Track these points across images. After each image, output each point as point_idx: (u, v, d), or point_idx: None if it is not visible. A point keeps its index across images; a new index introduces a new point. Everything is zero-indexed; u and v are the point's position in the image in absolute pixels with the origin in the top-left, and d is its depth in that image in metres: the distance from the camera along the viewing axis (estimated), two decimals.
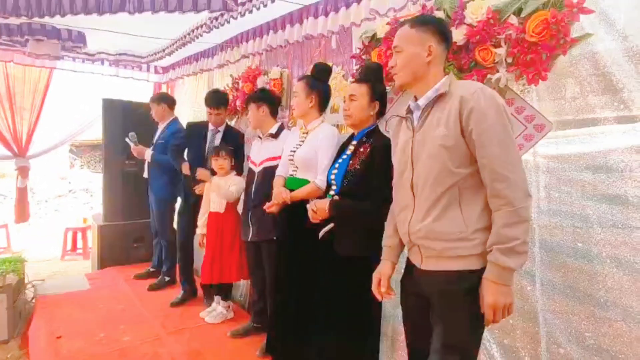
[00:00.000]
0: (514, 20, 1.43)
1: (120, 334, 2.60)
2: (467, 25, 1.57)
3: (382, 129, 2.04)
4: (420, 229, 1.23)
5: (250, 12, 2.51)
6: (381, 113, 1.82)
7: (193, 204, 3.05)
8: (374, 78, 1.77)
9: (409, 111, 1.32)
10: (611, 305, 1.42)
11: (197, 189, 2.95)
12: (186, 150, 3.18)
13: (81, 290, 3.44)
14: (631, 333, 1.38)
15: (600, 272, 1.45)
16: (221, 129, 3.01)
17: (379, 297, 1.44)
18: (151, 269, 3.76)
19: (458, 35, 1.58)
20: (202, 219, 2.87)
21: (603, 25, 1.34)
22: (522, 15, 1.41)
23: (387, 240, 1.46)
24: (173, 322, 2.81)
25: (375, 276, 1.45)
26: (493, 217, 1.14)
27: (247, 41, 3.14)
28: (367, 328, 1.79)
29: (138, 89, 5.11)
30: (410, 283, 1.36)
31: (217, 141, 2.96)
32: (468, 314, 1.18)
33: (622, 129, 1.35)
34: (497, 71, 1.51)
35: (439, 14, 1.66)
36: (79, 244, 5.29)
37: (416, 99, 1.31)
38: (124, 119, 3.98)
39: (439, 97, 1.22)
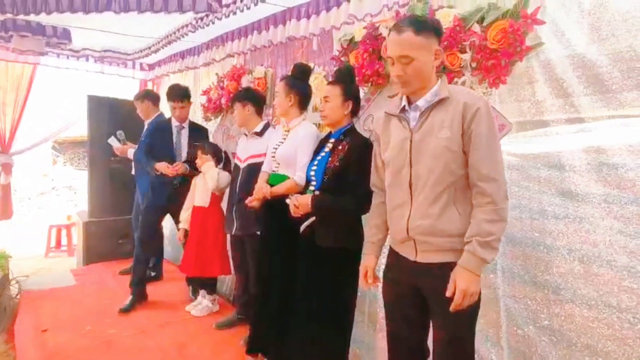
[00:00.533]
0: (477, 28, 1.55)
1: (106, 327, 2.65)
2: None
3: (358, 127, 2.16)
4: (421, 226, 1.29)
5: (235, 13, 2.58)
6: (356, 111, 1.92)
7: (162, 205, 3.05)
8: (346, 79, 1.87)
9: (403, 110, 1.35)
10: (563, 289, 1.55)
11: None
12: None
13: (66, 286, 3.47)
14: (582, 314, 1.52)
15: (554, 260, 1.59)
16: (186, 125, 3.03)
17: (365, 287, 1.56)
18: None
19: None
20: (185, 214, 2.93)
21: (555, 36, 1.47)
22: (484, 24, 1.54)
23: (373, 237, 1.55)
24: (159, 315, 2.87)
25: (361, 269, 1.56)
26: (475, 212, 1.25)
27: (232, 41, 3.21)
28: (345, 316, 1.90)
29: (123, 86, 5.11)
30: (399, 274, 1.42)
31: (184, 138, 2.99)
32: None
33: (572, 129, 1.49)
34: (463, 75, 1.63)
35: None
36: (63, 241, 5.28)
37: (410, 101, 1.33)
38: (110, 116, 4.01)
39: (439, 101, 1.27)
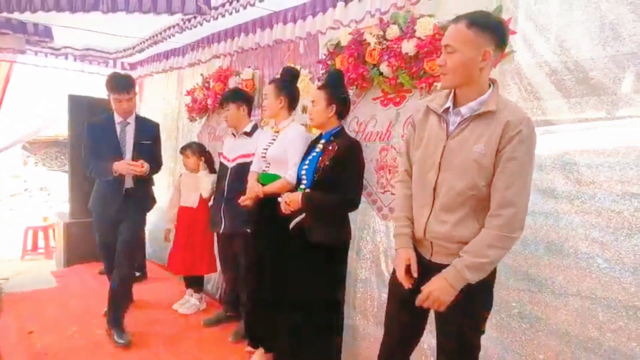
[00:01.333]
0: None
1: (94, 328, 2.65)
2: (417, 38, 1.80)
3: (346, 128, 2.26)
4: (437, 231, 1.28)
5: (223, 16, 2.64)
6: (342, 114, 2.00)
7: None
8: (333, 84, 1.97)
9: (446, 111, 1.29)
10: (542, 281, 1.67)
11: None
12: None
13: (48, 288, 3.42)
14: (552, 301, 1.66)
15: (527, 252, 1.72)
16: (131, 120, 2.53)
17: (408, 285, 1.35)
18: None
19: (409, 47, 1.82)
20: (171, 213, 2.95)
21: (525, 45, 1.62)
22: None
23: (405, 229, 1.41)
24: (146, 314, 2.89)
25: (401, 264, 1.36)
26: (483, 229, 1.21)
27: (218, 42, 3.26)
28: (335, 307, 1.99)
29: (102, 85, 5.04)
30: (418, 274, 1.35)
31: (129, 135, 2.51)
32: (482, 302, 1.29)
33: (541, 130, 1.63)
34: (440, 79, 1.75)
35: (394, 28, 1.89)
36: (40, 243, 5.15)
37: (456, 100, 1.27)
38: (91, 115, 3.95)
39: (484, 112, 1.20)
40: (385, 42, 1.95)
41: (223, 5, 2.61)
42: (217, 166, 2.83)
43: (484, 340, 1.39)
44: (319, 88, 1.99)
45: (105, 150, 2.46)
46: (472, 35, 1.17)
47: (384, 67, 1.96)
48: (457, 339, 1.32)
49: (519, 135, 1.15)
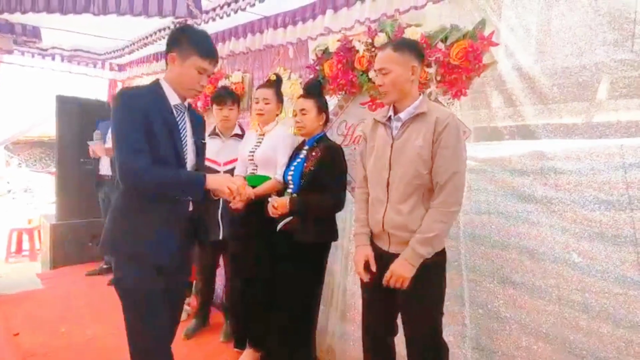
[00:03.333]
0: (441, 46, 1.75)
1: (83, 328, 2.64)
2: None
3: (332, 132, 2.32)
4: (394, 221, 1.48)
5: (214, 20, 2.67)
6: (326, 121, 2.08)
7: None
8: (317, 92, 2.06)
9: (389, 119, 1.54)
10: (519, 283, 1.74)
11: None
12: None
13: (34, 290, 3.38)
14: (530, 299, 1.74)
15: (508, 256, 1.78)
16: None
17: (366, 278, 1.57)
18: (104, 266, 3.76)
19: None
20: None
21: (506, 54, 1.70)
22: (448, 42, 1.74)
23: (364, 229, 1.63)
24: None
25: (360, 260, 1.58)
26: (428, 211, 1.44)
27: None
28: (317, 304, 2.09)
29: (90, 86, 5.00)
30: (379, 266, 1.55)
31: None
32: (437, 283, 1.51)
33: (518, 137, 1.72)
34: (429, 86, 1.83)
35: (382, 36, 1.96)
36: (25, 245, 5.07)
37: (395, 110, 1.53)
38: (80, 116, 3.94)
39: (418, 115, 1.46)
40: (373, 49, 2.02)
41: (214, 9, 2.64)
42: None
43: (464, 340, 1.46)
44: (305, 97, 2.05)
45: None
46: (399, 56, 1.44)
47: (372, 73, 2.02)
48: (422, 323, 1.52)
49: (447, 128, 1.41)
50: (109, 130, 3.49)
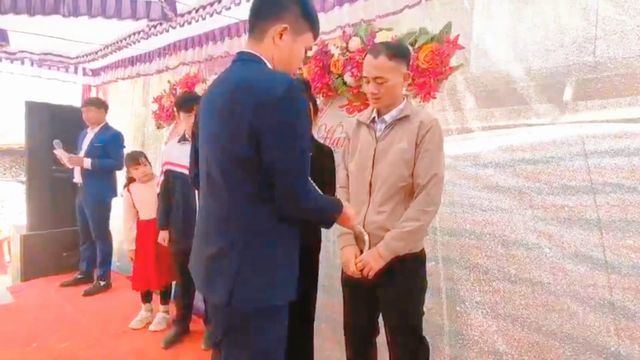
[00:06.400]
0: (410, 49, 1.79)
1: (56, 342, 2.54)
2: None
3: (316, 135, 2.33)
4: (375, 220, 1.49)
5: (190, 23, 2.65)
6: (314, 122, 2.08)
7: None
8: (307, 91, 2.01)
9: (373, 121, 1.55)
10: (490, 269, 1.82)
11: None
12: None
13: (4, 304, 3.23)
14: (505, 288, 1.80)
15: (482, 246, 1.86)
16: None
17: (359, 275, 1.53)
18: (79, 276, 3.64)
19: None
20: (132, 234, 2.77)
21: (481, 56, 1.76)
22: (416, 46, 1.78)
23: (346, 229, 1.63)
24: (115, 325, 2.79)
25: (350, 259, 1.54)
26: (407, 209, 1.47)
27: (186, 49, 3.25)
28: (312, 305, 2.02)
29: (62, 91, 4.86)
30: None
31: None
32: (417, 285, 1.53)
33: (489, 134, 1.78)
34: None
35: (356, 40, 1.99)
36: None
37: (379, 113, 1.54)
38: (51, 123, 3.81)
39: (402, 117, 1.49)
40: (348, 53, 2.04)
41: (189, 12, 2.62)
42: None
43: (442, 328, 1.48)
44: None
45: None
46: (394, 65, 1.44)
47: (347, 77, 2.05)
48: (403, 322, 1.53)
49: (431, 131, 1.44)
50: (86, 139, 3.42)
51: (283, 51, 1.10)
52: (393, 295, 1.52)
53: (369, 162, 1.53)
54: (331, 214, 1.19)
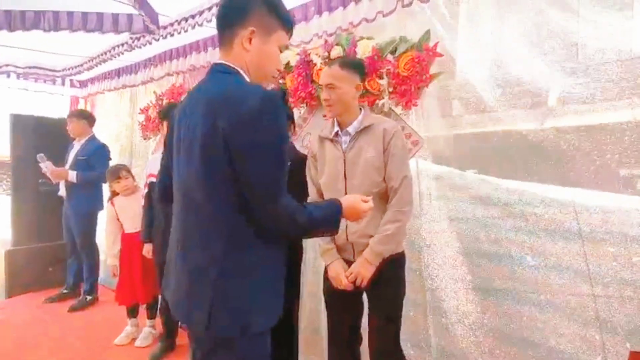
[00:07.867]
0: (390, 57, 1.80)
1: (41, 359, 2.48)
2: (358, 59, 1.91)
3: (298, 145, 2.32)
4: (357, 231, 1.54)
5: (172, 35, 2.64)
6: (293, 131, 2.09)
7: None
8: (286, 104, 2.05)
9: (336, 135, 1.60)
10: (473, 280, 1.81)
11: None
12: None
13: None
14: (485, 298, 1.79)
15: (466, 257, 1.85)
16: None
17: (351, 288, 1.55)
18: (64, 291, 3.58)
19: None
20: (114, 249, 2.73)
21: (463, 64, 1.77)
22: (396, 54, 1.78)
23: (330, 244, 1.63)
24: (102, 340, 2.74)
25: (340, 273, 1.56)
26: (386, 213, 1.52)
27: (171, 60, 3.24)
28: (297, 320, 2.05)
29: (50, 104, 4.83)
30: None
31: None
32: (400, 284, 1.60)
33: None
34: (382, 98, 1.86)
35: (338, 49, 1.99)
36: None
37: (341, 125, 1.59)
38: (36, 135, 3.77)
39: (365, 127, 1.55)
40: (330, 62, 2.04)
41: (172, 24, 2.62)
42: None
43: (428, 348, 1.47)
44: None
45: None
46: (345, 74, 1.53)
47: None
48: (383, 320, 1.58)
49: (395, 136, 1.52)
50: (72, 152, 3.39)
51: (254, 55, 1.06)
52: (374, 296, 1.58)
53: (340, 174, 1.58)
54: (333, 221, 1.11)
